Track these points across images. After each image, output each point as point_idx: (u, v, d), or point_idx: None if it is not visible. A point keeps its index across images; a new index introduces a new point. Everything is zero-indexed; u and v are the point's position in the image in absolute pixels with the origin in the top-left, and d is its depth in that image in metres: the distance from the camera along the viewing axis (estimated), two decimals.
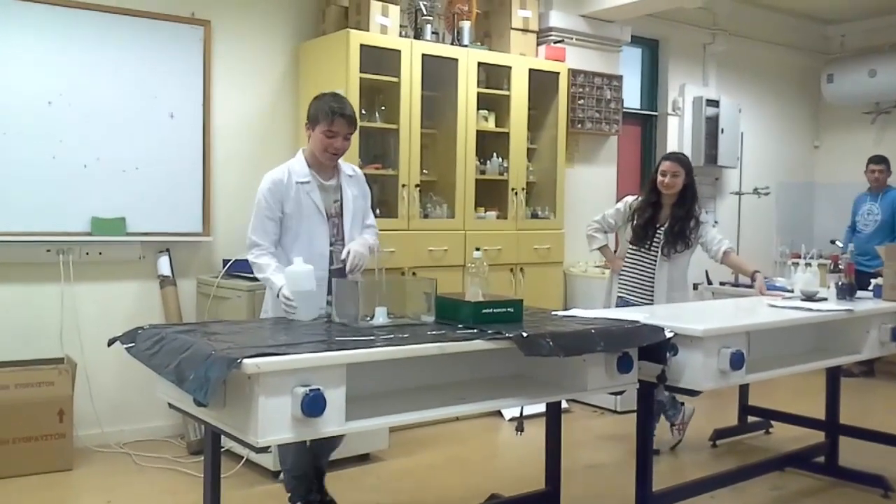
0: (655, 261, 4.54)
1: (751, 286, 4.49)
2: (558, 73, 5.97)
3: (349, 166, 3.61)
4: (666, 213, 4.54)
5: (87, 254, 4.63)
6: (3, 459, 4.06)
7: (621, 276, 4.70)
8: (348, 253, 3.37)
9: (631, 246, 4.64)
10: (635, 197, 4.71)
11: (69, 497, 3.98)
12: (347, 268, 3.35)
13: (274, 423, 2.20)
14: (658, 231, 4.53)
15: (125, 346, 2.73)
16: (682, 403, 4.74)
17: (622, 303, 4.61)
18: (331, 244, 3.45)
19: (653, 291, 4.54)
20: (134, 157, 4.71)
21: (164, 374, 2.46)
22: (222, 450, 2.99)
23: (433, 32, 5.45)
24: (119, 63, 4.66)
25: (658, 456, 4.41)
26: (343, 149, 3.42)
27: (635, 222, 4.59)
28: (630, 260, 4.66)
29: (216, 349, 2.29)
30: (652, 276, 4.55)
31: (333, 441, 3.61)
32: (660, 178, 4.50)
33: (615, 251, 4.90)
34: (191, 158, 4.91)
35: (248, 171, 5.01)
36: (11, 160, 4.37)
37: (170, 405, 2.69)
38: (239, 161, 5.09)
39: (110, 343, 2.82)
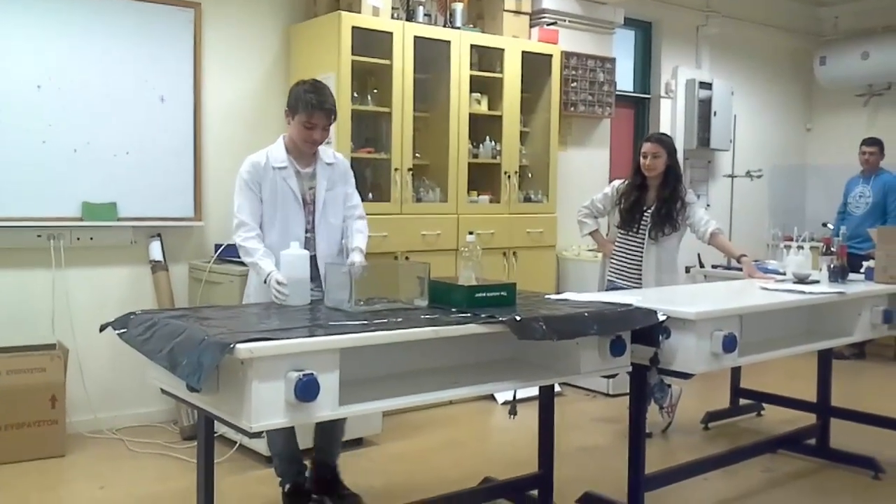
0: (643, 244, 4.54)
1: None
2: (551, 56, 5.94)
3: (330, 153, 3.60)
4: (652, 196, 4.54)
5: (78, 239, 4.61)
6: None
7: (611, 260, 4.71)
8: (352, 264, 3.35)
9: (619, 230, 4.64)
10: (623, 181, 4.70)
11: (62, 483, 3.98)
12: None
13: (267, 408, 2.19)
14: (645, 214, 4.54)
15: (117, 331, 2.71)
16: (670, 385, 4.76)
17: (611, 286, 4.61)
18: (306, 231, 3.46)
19: (641, 274, 4.55)
20: (124, 141, 4.68)
21: (156, 360, 2.45)
22: (215, 435, 2.99)
23: (425, 14, 5.41)
24: (109, 46, 4.61)
25: (650, 439, 4.42)
26: (322, 140, 3.43)
27: (622, 206, 4.59)
28: (619, 243, 4.66)
29: (209, 334, 2.29)
30: (640, 259, 4.56)
31: (335, 433, 3.64)
32: (641, 159, 4.50)
33: (607, 235, 4.90)
34: (182, 142, 4.88)
35: (239, 154, 4.88)
36: (0, 145, 4.33)
37: (162, 391, 2.69)
38: (230, 145, 5.06)
39: (102, 329, 2.81)
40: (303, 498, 3.56)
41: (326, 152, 3.57)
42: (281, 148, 3.47)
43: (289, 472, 3.57)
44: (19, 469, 4.02)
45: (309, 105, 3.32)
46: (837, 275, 4.02)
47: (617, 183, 4.73)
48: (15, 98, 4.37)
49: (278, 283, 3.09)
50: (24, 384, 4.14)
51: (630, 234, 4.59)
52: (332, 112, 3.39)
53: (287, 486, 3.57)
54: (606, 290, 4.58)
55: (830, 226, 6.41)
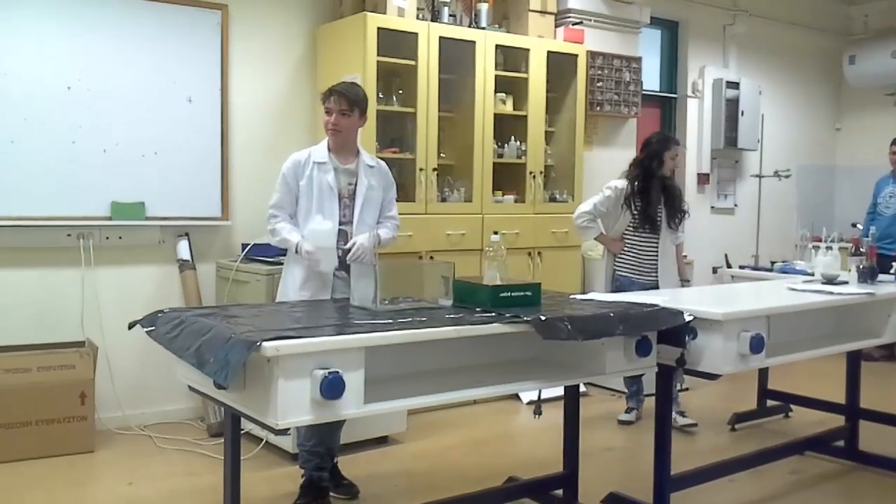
0: (658, 237, 4.66)
1: (771, 270, 4.51)
2: (577, 56, 5.93)
3: (371, 158, 3.79)
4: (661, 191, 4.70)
5: (107, 238, 4.66)
6: (26, 441, 4.12)
7: (622, 257, 4.74)
8: (353, 244, 3.52)
9: (634, 229, 4.68)
10: (623, 181, 4.72)
11: (91, 478, 4.03)
12: (349, 257, 3.48)
13: (293, 406, 2.21)
14: (659, 208, 4.68)
15: (145, 329, 2.75)
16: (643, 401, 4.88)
17: (627, 282, 4.64)
18: (340, 223, 3.59)
19: (656, 266, 4.65)
20: (153, 141, 4.73)
21: (184, 358, 2.48)
22: (242, 432, 3.01)
23: (450, 15, 5.42)
24: (137, 48, 4.67)
25: (688, 435, 4.41)
26: (341, 125, 3.58)
27: (639, 207, 4.64)
28: (632, 240, 4.72)
29: (236, 332, 2.30)
30: (656, 252, 4.67)
31: (334, 425, 3.65)
32: (670, 163, 4.66)
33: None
34: (209, 143, 4.92)
35: (266, 154, 5.03)
36: (31, 145, 4.40)
37: (190, 388, 2.71)
38: (257, 145, 5.10)
39: (131, 326, 2.85)
40: (314, 491, 3.61)
41: (368, 156, 3.76)
42: (323, 146, 3.67)
43: (308, 463, 3.64)
44: (49, 464, 4.08)
45: (327, 91, 3.59)
46: (866, 276, 3.97)
47: (617, 183, 4.74)
48: (45, 99, 4.43)
49: (307, 251, 3.41)
50: (54, 381, 4.20)
51: (642, 229, 4.65)
52: (348, 97, 3.55)
53: (303, 478, 3.65)
54: (620, 287, 4.62)
55: (860, 226, 6.33)
